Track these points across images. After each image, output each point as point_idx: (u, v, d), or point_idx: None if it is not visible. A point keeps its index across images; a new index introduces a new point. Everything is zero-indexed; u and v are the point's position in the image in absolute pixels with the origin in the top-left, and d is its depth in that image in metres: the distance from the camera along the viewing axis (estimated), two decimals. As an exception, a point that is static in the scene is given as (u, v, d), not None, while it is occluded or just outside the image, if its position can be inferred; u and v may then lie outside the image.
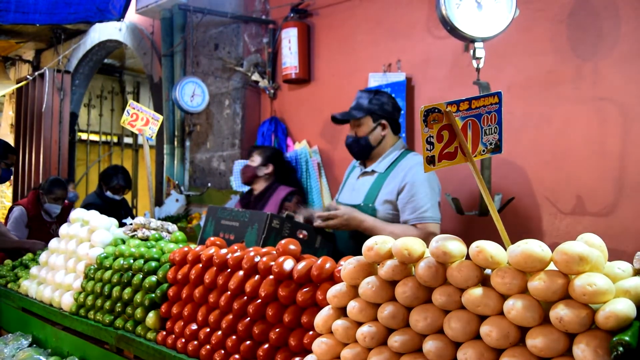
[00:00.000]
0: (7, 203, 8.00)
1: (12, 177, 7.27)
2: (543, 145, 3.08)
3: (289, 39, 4.26)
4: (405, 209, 2.57)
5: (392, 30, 3.84)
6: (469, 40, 2.81)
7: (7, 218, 4.61)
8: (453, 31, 2.73)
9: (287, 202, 3.44)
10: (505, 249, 1.27)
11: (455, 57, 3.48)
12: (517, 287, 1.19)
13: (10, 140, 7.85)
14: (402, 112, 3.61)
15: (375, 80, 3.77)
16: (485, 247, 1.24)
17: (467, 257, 1.29)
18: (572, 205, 2.95)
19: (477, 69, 2.87)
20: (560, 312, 1.09)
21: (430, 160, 1.24)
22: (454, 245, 1.29)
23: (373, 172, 2.74)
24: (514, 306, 1.15)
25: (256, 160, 3.62)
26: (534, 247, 1.18)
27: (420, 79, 3.69)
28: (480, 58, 2.83)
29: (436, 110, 1.22)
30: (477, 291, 1.23)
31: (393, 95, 3.63)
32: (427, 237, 2.33)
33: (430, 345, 1.26)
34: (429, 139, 1.24)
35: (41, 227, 4.44)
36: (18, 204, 4.58)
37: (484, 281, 1.28)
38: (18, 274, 3.09)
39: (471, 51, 2.83)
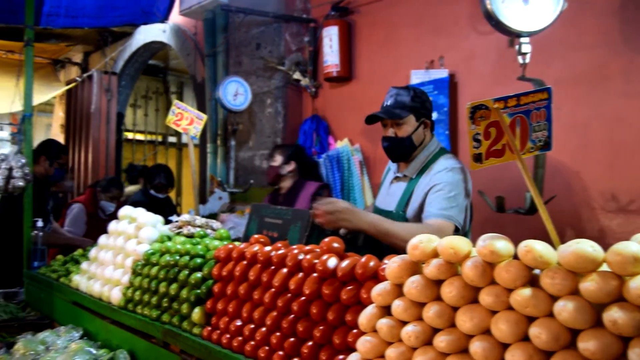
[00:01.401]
0: (58, 201, 8.26)
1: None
2: (593, 142, 2.99)
3: (330, 37, 4.26)
4: (425, 209, 2.40)
5: (435, 26, 3.79)
6: (514, 35, 2.75)
7: (64, 214, 4.79)
8: (498, 26, 2.68)
9: (318, 197, 3.44)
10: (555, 249, 1.24)
11: (500, 52, 3.41)
12: (568, 288, 1.15)
13: (61, 140, 8.12)
14: (445, 109, 3.57)
15: (417, 77, 3.74)
16: (535, 247, 1.21)
17: (515, 256, 1.27)
18: (624, 205, 2.85)
19: (523, 65, 2.80)
20: (614, 315, 1.06)
21: (477, 158, 1.22)
22: (502, 245, 1.27)
23: (405, 177, 2.58)
24: (565, 308, 1.12)
25: (278, 159, 3.63)
26: (585, 247, 1.15)
27: (463, 75, 3.63)
28: (527, 53, 2.77)
29: (483, 107, 1.20)
30: (526, 292, 1.20)
31: (436, 92, 3.61)
32: (436, 234, 2.19)
33: (477, 346, 1.24)
34: (475, 136, 1.22)
35: (97, 225, 4.59)
36: (76, 201, 4.75)
37: (533, 281, 1.25)
38: (69, 268, 3.19)
39: (516, 46, 2.77)
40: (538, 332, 1.15)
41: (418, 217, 2.44)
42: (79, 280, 2.91)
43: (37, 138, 5.92)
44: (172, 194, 6.95)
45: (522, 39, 2.71)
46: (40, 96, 6.87)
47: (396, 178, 2.65)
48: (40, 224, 3.61)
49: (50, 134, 9.41)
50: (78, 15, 5.17)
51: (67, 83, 7.75)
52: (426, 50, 3.81)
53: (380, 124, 2.63)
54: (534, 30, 2.68)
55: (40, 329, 2.93)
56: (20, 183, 3.46)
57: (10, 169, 3.48)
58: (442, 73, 3.65)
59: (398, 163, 2.67)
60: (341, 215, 2.23)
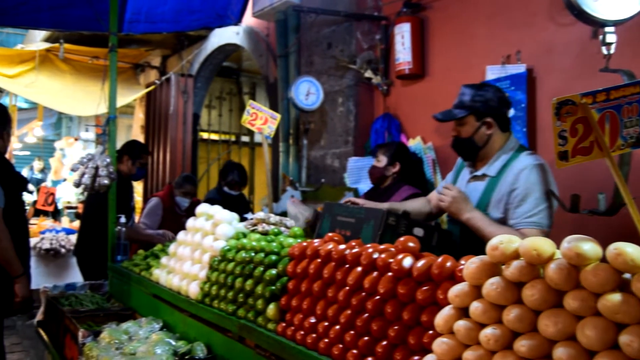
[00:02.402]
0: (138, 198, 8.66)
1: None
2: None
3: (402, 34, 4.21)
4: (512, 213, 2.36)
5: (511, 19, 3.66)
6: (598, 25, 2.61)
7: (143, 207, 5.06)
8: (580, 15, 2.55)
9: None
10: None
11: (582, 44, 3.25)
12: (664, 295, 1.09)
13: (141, 140, 8.50)
14: (523, 105, 3.45)
15: (493, 73, 3.63)
16: (625, 250, 1.15)
17: (602, 259, 1.21)
18: None
19: (607, 56, 2.66)
20: None
21: (562, 156, 1.16)
22: (589, 247, 1.21)
23: (484, 176, 2.52)
24: (660, 315, 1.06)
25: (382, 160, 3.59)
26: (684, 250, 1.07)
27: (542, 70, 3.49)
28: (611, 44, 2.62)
29: (570, 103, 1.14)
30: (616, 297, 1.14)
31: (513, 87, 3.49)
32: None
33: (561, 352, 1.19)
34: (561, 133, 1.17)
35: (174, 219, 4.80)
36: (155, 195, 5.01)
37: (622, 286, 1.19)
38: (150, 263, 3.33)
39: (600, 37, 2.63)
40: (630, 340, 1.09)
41: (501, 217, 2.41)
42: (158, 274, 3.03)
43: (119, 139, 6.21)
44: (245, 192, 7.12)
45: (607, 29, 2.57)
46: (122, 99, 7.22)
47: (473, 177, 2.59)
48: (123, 220, 3.80)
49: (131, 134, 9.87)
50: (157, 20, 5.40)
51: (147, 86, 8.10)
52: (502, 44, 3.69)
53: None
54: (621, 19, 2.54)
55: (123, 319, 3.08)
56: (106, 181, 3.65)
57: (96, 168, 3.68)
58: (519, 68, 3.52)
59: (470, 161, 2.64)
60: (456, 202, 2.41)
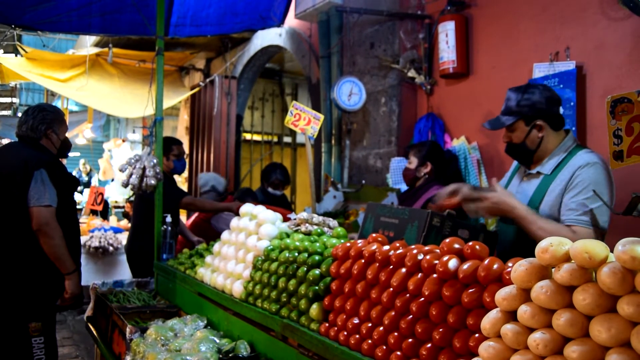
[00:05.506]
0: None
1: (187, 173, 8.05)
2: None
3: (446, 32, 4.15)
4: (565, 209, 2.28)
5: (560, 15, 3.56)
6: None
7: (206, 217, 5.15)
8: (636, 9, 2.46)
9: (430, 203, 3.32)
10: None
11: (635, 40, 3.13)
12: None
13: (186, 141, 8.67)
14: (572, 103, 3.35)
15: (540, 70, 3.53)
16: (685, 253, 1.10)
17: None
18: None
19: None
20: None
21: (617, 156, 1.12)
22: (645, 250, 1.16)
23: (538, 174, 2.45)
24: None
25: (413, 161, 3.56)
26: None
27: (592, 67, 3.38)
28: (668, 39, 2.52)
29: (625, 100, 1.10)
30: (675, 302, 1.09)
31: (561, 85, 3.39)
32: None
33: (614, 358, 1.15)
34: (616, 132, 1.12)
35: None
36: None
37: (682, 292, 1.14)
38: (195, 261, 3.38)
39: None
40: (690, 348, 1.04)
41: (553, 214, 2.33)
42: (203, 273, 3.08)
43: (165, 140, 6.37)
44: (287, 192, 7.16)
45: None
46: (167, 101, 7.38)
47: (527, 175, 2.54)
48: (169, 219, 3.87)
49: (176, 135, 10.08)
50: (201, 24, 5.50)
51: (192, 88, 8.26)
52: (550, 41, 3.59)
53: None
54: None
55: (169, 316, 3.15)
56: (153, 181, 3.73)
57: (143, 169, 3.77)
58: (568, 65, 3.42)
59: (527, 165, 2.56)
60: (500, 203, 2.32)
